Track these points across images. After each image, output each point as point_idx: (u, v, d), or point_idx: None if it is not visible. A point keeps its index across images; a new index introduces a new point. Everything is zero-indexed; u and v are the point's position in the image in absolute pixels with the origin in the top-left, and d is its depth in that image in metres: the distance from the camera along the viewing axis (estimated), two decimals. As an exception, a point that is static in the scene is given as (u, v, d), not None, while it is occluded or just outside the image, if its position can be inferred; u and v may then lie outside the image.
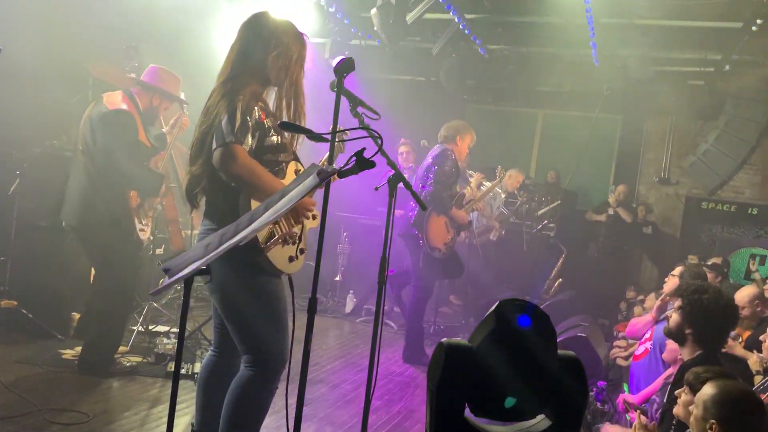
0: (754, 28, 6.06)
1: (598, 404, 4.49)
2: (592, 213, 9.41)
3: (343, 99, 2.59)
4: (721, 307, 3.21)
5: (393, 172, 2.79)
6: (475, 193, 6.60)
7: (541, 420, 1.24)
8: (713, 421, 2.32)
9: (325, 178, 1.82)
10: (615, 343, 5.91)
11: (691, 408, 2.46)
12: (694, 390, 2.54)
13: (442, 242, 5.69)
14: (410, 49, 8.26)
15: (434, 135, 8.27)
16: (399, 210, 6.57)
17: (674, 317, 3.33)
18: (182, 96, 4.59)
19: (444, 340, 1.33)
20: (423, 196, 5.47)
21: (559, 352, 1.27)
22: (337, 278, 7.70)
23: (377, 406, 4.30)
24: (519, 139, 10.66)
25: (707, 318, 3.19)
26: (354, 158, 1.85)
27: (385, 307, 7.37)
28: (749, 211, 9.95)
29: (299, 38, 2.67)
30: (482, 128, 6.45)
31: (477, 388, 1.22)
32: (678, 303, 3.33)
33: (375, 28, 6.43)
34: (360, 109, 2.67)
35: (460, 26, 7.09)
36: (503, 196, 7.99)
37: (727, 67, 7.03)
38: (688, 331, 3.25)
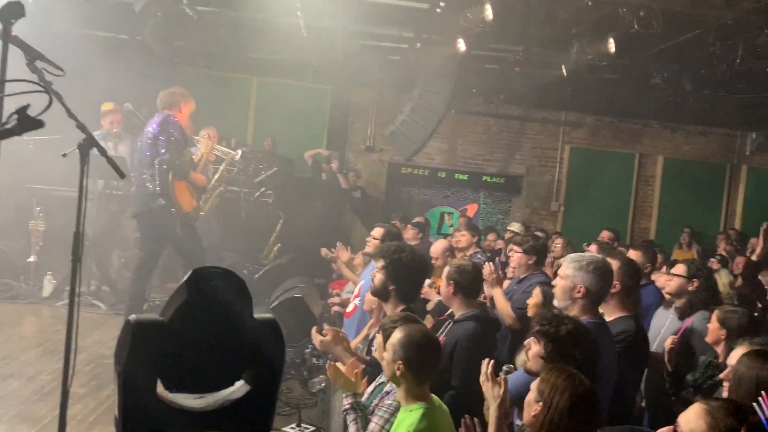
0: (438, 10, 6.77)
1: (314, 360, 4.75)
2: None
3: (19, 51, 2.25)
4: (416, 262, 3.61)
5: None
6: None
7: (239, 386, 1.25)
8: (400, 362, 2.60)
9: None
10: (330, 300, 6.27)
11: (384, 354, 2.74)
12: (386, 334, 2.84)
13: (191, 207, 5.71)
14: (109, 2, 7.51)
15: (140, 98, 7.71)
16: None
17: (378, 277, 3.59)
18: None
19: (132, 316, 1.25)
20: (158, 163, 5.39)
21: (257, 315, 1.29)
22: (31, 259, 6.79)
23: (84, 394, 3.95)
24: (235, 106, 10.52)
25: (407, 272, 3.54)
26: (15, 116, 1.59)
27: (92, 287, 6.77)
28: (439, 175, 11.37)
29: None
30: (196, 93, 6.21)
31: (170, 362, 1.18)
32: (380, 263, 3.59)
33: (63, -25, 5.69)
34: (39, 64, 2.35)
35: (166, -17, 6.66)
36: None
37: (418, 45, 7.79)
38: (391, 287, 3.55)
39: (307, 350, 4.74)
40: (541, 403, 2.17)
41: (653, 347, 4.20)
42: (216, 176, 7.09)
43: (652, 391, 4.01)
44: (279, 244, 8.50)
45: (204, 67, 10.19)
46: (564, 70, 7.14)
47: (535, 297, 4.04)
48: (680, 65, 6.95)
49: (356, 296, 4.93)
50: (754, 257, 4.60)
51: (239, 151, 7.65)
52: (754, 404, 1.69)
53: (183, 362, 1.19)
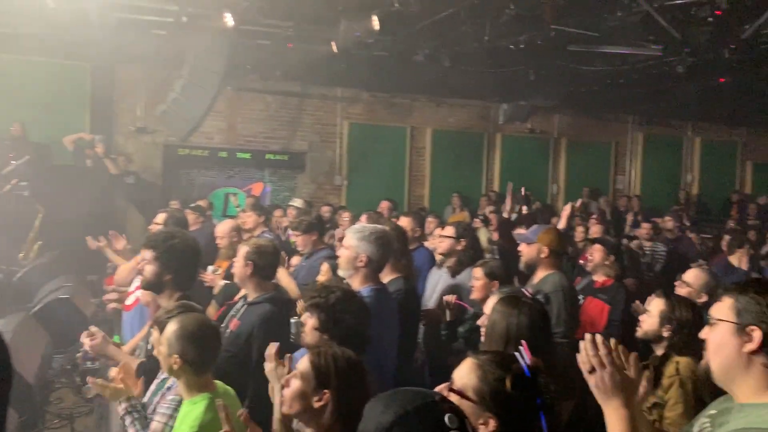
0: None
1: (88, 364, 4.36)
2: None
3: None
4: (190, 247, 3.42)
5: None
6: None
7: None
8: (176, 355, 2.47)
9: None
10: (105, 297, 5.76)
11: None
12: (161, 327, 2.68)
13: None
14: None
15: None
16: None
17: (149, 269, 3.34)
18: None
19: None
20: None
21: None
22: None
23: None
24: (-31, 88, 9.11)
25: (182, 259, 3.35)
26: None
27: None
28: (220, 155, 11.01)
29: None
30: None
31: None
32: (150, 254, 3.34)
33: None
34: None
35: None
36: None
37: (185, 19, 7.37)
38: (167, 278, 3.33)
39: (79, 354, 4.33)
40: (326, 391, 2.04)
41: (430, 304, 4.55)
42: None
43: (431, 345, 4.33)
44: (40, 242, 7.61)
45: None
46: (334, 47, 7.28)
47: (324, 273, 4.13)
48: (439, 42, 7.47)
49: (137, 288, 4.61)
50: (504, 214, 5.17)
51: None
52: (516, 353, 1.85)
53: None
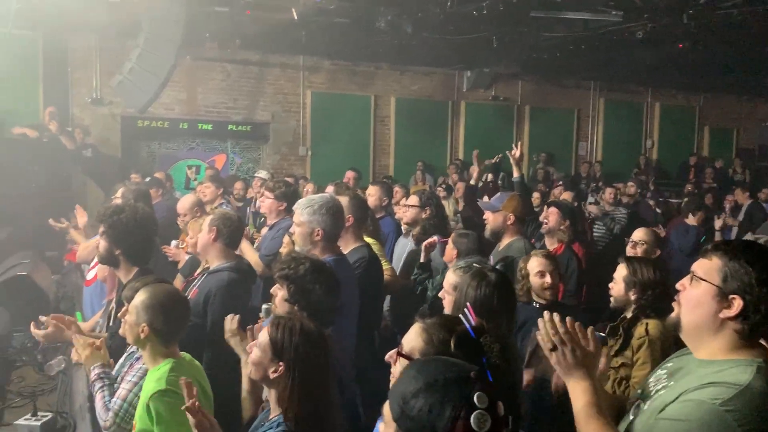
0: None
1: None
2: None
3: None
4: (139, 221, 3.36)
5: None
6: None
7: None
8: (144, 324, 2.50)
9: None
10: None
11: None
12: (128, 300, 2.67)
13: None
14: None
15: None
16: None
17: (101, 243, 3.33)
18: None
19: None
20: None
21: None
22: None
23: None
24: None
25: (130, 234, 3.31)
26: None
27: None
28: (181, 126, 10.78)
29: None
30: None
31: None
32: (101, 228, 3.33)
33: None
34: None
35: None
36: None
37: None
38: (117, 252, 3.31)
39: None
40: (281, 363, 2.07)
41: (397, 272, 4.58)
42: None
43: (398, 312, 4.37)
44: (-6, 218, 7.38)
45: None
46: (294, 14, 7.13)
47: (287, 244, 4.10)
48: (400, 9, 7.37)
49: (96, 263, 4.54)
50: (471, 182, 5.19)
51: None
52: (460, 315, 1.88)
53: None
